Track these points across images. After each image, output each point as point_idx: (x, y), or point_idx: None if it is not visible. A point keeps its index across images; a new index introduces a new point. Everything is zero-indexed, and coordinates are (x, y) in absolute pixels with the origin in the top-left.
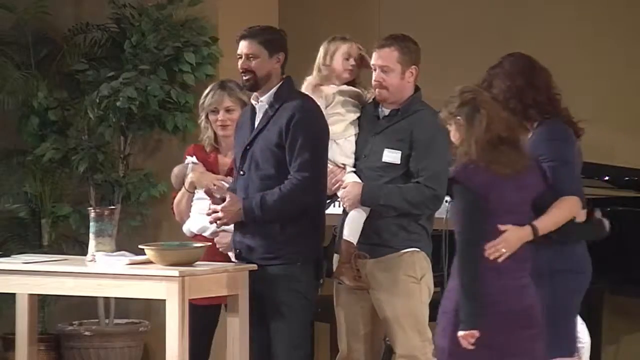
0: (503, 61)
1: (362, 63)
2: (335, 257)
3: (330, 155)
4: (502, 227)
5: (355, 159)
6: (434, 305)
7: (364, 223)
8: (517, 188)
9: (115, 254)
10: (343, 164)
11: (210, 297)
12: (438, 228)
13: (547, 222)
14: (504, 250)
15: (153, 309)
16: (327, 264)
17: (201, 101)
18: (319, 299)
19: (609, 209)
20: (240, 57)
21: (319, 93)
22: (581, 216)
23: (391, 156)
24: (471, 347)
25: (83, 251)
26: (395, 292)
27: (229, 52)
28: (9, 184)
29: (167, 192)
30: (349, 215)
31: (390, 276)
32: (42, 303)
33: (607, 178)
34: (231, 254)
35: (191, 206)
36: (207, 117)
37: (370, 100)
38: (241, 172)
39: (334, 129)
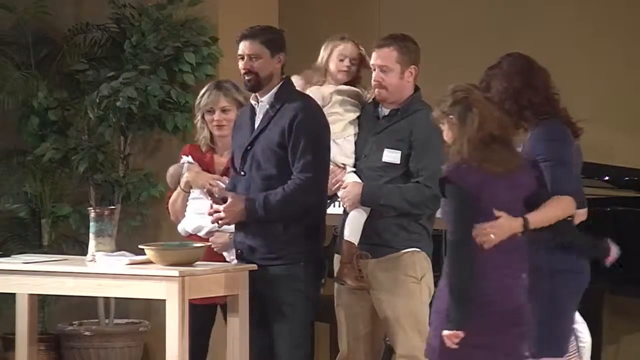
0: (501, 62)
1: (361, 63)
2: (336, 257)
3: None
4: (497, 213)
5: (356, 159)
6: None
7: (365, 223)
8: (510, 187)
9: (115, 254)
10: (343, 164)
11: (205, 297)
12: (438, 228)
13: (539, 217)
14: (492, 236)
15: (153, 309)
16: (327, 264)
17: (197, 101)
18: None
19: (608, 209)
20: (242, 58)
21: (316, 94)
22: (581, 216)
23: (391, 156)
24: (455, 347)
25: (83, 251)
26: (396, 292)
27: (229, 52)
28: (9, 184)
29: (167, 192)
30: (349, 216)
31: (391, 276)
32: (42, 303)
33: (607, 178)
34: (226, 254)
35: (186, 206)
36: (203, 117)
37: (371, 100)
38: (242, 173)
39: (333, 128)
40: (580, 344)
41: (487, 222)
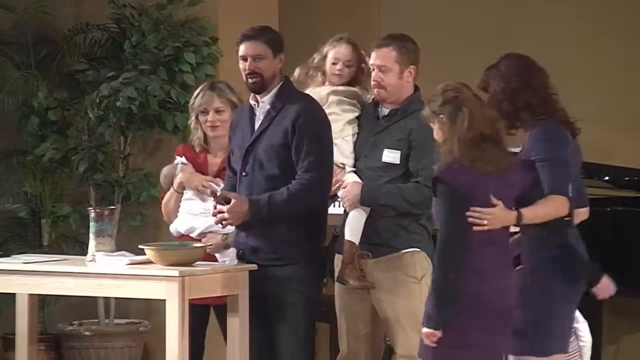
0: (500, 62)
1: (359, 64)
2: (337, 257)
3: None
4: (494, 201)
5: (356, 159)
6: None
7: (365, 223)
8: (501, 186)
9: (115, 254)
10: (342, 164)
11: (197, 298)
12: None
13: (533, 213)
14: (486, 222)
15: (153, 309)
16: (328, 264)
17: (191, 102)
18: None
19: (608, 209)
20: (244, 59)
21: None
22: (583, 215)
23: (391, 156)
24: (433, 345)
25: (83, 251)
26: (396, 292)
27: (229, 52)
28: (9, 184)
29: None
30: (349, 216)
31: (391, 276)
32: (42, 303)
33: (607, 178)
34: (219, 256)
35: (179, 206)
36: (197, 117)
37: (371, 100)
38: (244, 173)
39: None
40: (581, 344)
41: (484, 209)
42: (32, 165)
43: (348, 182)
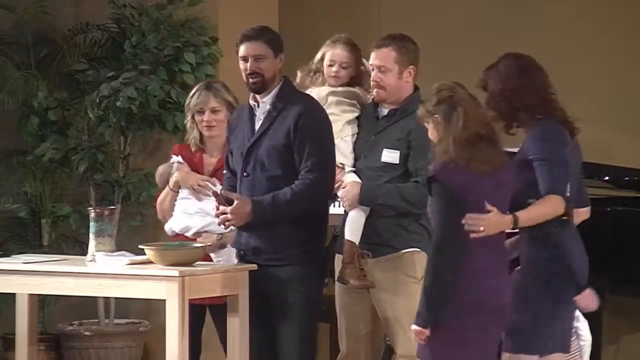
0: (498, 62)
1: (357, 65)
2: (337, 257)
3: None
4: (488, 207)
5: (356, 159)
6: None
7: (365, 223)
8: (496, 185)
9: (115, 254)
10: (342, 164)
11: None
12: None
13: (529, 215)
14: (481, 228)
15: (153, 309)
16: (329, 264)
17: (187, 102)
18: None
19: (608, 209)
20: (245, 60)
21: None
22: (584, 214)
23: (390, 156)
24: (422, 342)
25: (83, 251)
26: (396, 292)
27: (229, 52)
28: (9, 184)
29: None
30: (349, 215)
31: (391, 276)
32: (42, 303)
33: (607, 178)
34: (213, 255)
35: (174, 205)
36: (192, 117)
37: (371, 100)
38: (245, 174)
39: None
40: (582, 342)
41: (479, 215)
42: (32, 165)
43: (347, 182)
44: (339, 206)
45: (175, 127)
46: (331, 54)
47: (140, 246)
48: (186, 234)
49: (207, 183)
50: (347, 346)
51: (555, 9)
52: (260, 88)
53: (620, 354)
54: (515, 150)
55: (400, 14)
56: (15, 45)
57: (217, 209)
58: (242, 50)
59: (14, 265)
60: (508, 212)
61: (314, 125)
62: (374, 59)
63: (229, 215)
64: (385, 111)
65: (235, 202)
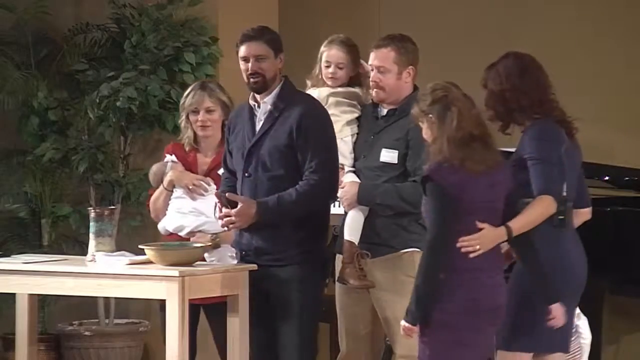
0: (498, 62)
1: (355, 66)
2: (337, 257)
3: None
4: (479, 225)
5: (355, 159)
6: None
7: (364, 223)
8: (490, 185)
9: (115, 254)
10: (341, 164)
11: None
12: None
13: (521, 222)
14: (478, 247)
15: (153, 309)
16: (330, 264)
17: (182, 101)
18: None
19: (608, 209)
20: (245, 60)
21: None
22: (585, 215)
23: (388, 156)
24: (409, 338)
25: (83, 251)
26: (395, 292)
27: (229, 52)
28: (9, 184)
29: None
30: (348, 215)
31: (391, 276)
32: (42, 303)
33: (607, 178)
34: (207, 255)
35: (168, 205)
36: (187, 117)
37: (370, 100)
38: (246, 174)
39: None
40: (582, 341)
41: (471, 235)
42: (32, 165)
43: (346, 182)
44: (339, 206)
45: (175, 127)
46: (327, 55)
47: (140, 246)
48: (180, 233)
49: (202, 182)
50: (347, 346)
51: (555, 9)
52: (261, 88)
53: (620, 353)
54: (512, 150)
55: (400, 14)
56: (15, 45)
57: (220, 211)
58: (243, 50)
59: (14, 265)
60: (503, 210)
61: (317, 126)
62: (373, 59)
63: (233, 218)
64: (384, 111)
65: (240, 204)
